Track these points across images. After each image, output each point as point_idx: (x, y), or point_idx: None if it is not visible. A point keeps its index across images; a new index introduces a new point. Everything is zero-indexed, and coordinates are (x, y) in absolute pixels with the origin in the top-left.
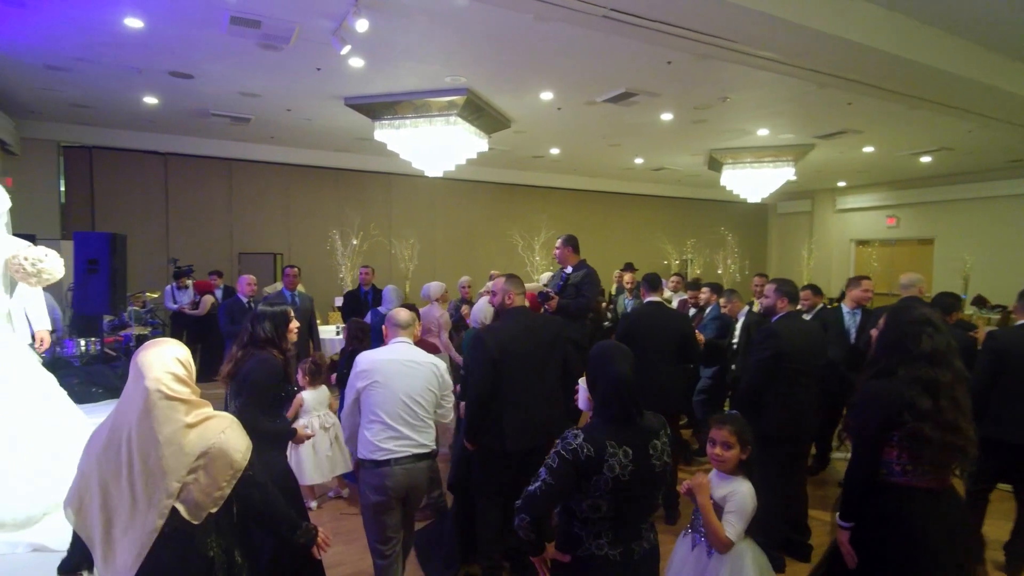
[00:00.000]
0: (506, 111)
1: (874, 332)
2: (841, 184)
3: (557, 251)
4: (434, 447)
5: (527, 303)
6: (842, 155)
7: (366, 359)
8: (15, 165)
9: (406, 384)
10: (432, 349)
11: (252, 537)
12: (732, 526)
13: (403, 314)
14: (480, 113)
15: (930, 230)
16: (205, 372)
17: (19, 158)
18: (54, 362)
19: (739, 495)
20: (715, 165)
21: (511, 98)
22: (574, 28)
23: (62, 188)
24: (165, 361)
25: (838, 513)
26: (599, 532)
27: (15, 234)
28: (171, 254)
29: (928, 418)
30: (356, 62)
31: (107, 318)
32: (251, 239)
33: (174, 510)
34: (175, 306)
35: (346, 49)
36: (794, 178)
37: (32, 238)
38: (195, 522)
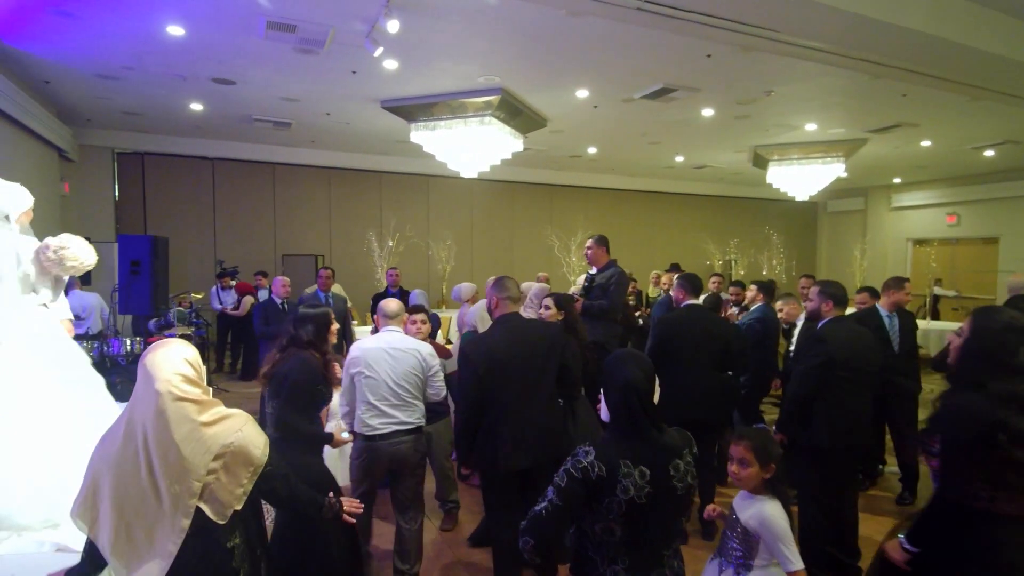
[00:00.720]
0: (541, 110)
1: (952, 338)
2: (897, 180)
3: (589, 251)
4: (420, 422)
5: (519, 309)
6: (897, 150)
7: (356, 348)
8: (72, 171)
9: (390, 370)
10: (444, 353)
11: (295, 544)
12: (785, 556)
13: (392, 305)
14: (515, 113)
15: (994, 228)
16: (247, 371)
17: (76, 164)
18: (102, 361)
19: (769, 521)
20: (760, 162)
21: (546, 97)
22: (607, 22)
23: (116, 193)
24: (173, 362)
25: (904, 533)
26: (614, 557)
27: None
28: (218, 256)
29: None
30: (390, 64)
31: (156, 318)
32: (294, 241)
33: (199, 510)
34: (220, 307)
35: (379, 51)
36: (845, 175)
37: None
38: (221, 522)
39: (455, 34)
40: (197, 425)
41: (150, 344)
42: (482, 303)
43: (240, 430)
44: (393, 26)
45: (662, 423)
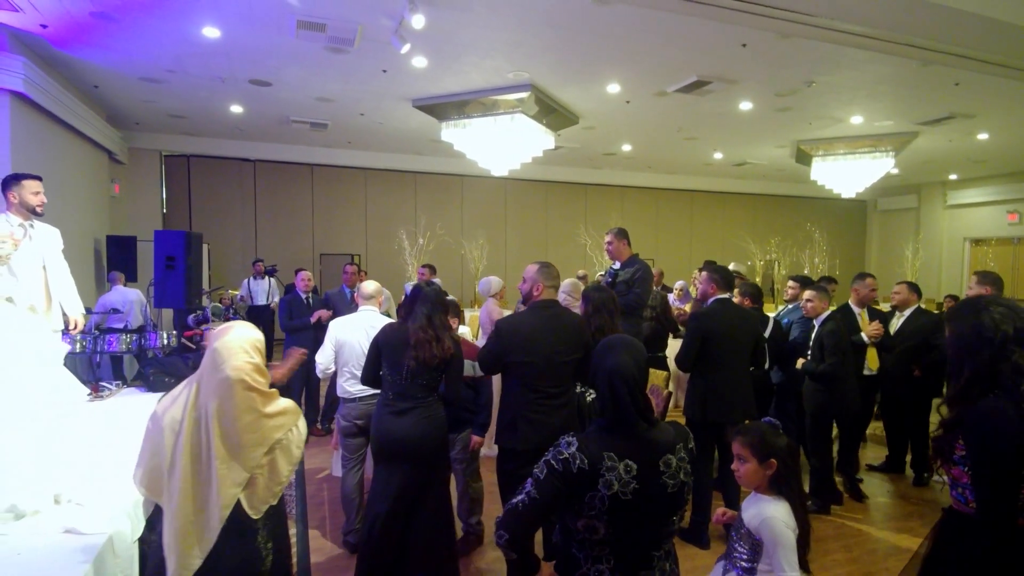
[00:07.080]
0: (572, 106)
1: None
2: (953, 177)
3: (609, 245)
4: None
5: (556, 297)
6: (951, 144)
7: (336, 327)
8: (122, 173)
9: (365, 343)
10: (472, 352)
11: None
12: (779, 564)
13: (370, 287)
14: (545, 109)
15: None
16: None
17: (126, 166)
18: (141, 352)
19: (769, 522)
20: (804, 158)
21: (577, 92)
22: (636, 10)
23: (164, 194)
24: (245, 349)
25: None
26: (599, 556)
27: (123, 235)
28: (258, 254)
29: None
30: (419, 61)
31: (197, 312)
32: (332, 240)
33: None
34: (244, 294)
35: (406, 47)
36: (896, 171)
37: (133, 240)
38: (255, 516)
39: (481, 27)
40: (260, 416)
41: (186, 337)
42: (490, 302)
43: (294, 427)
44: (418, 21)
45: (654, 415)
